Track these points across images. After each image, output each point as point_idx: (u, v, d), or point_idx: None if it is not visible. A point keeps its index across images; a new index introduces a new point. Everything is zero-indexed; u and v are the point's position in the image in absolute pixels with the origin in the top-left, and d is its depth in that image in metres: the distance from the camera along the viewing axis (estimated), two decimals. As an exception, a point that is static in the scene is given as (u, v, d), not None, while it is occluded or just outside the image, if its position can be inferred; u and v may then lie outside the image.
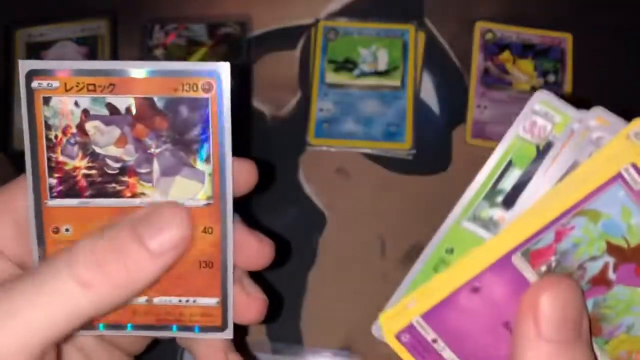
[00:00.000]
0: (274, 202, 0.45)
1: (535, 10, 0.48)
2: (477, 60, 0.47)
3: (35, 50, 0.48)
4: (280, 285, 0.43)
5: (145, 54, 0.48)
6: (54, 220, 0.25)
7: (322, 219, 0.44)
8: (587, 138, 0.22)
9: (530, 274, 0.21)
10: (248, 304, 0.27)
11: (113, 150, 0.25)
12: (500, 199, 0.23)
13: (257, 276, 0.28)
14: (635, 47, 0.47)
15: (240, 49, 0.47)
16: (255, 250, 0.27)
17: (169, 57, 0.47)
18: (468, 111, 0.46)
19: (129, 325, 0.26)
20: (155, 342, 0.31)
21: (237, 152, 0.25)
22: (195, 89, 0.25)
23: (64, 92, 0.25)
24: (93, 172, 0.25)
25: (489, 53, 0.47)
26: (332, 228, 0.44)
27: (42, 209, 0.25)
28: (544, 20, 0.47)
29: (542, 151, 0.23)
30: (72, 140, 0.25)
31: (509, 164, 0.23)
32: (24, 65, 0.24)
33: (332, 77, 0.46)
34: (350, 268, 0.43)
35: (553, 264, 0.21)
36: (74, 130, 0.25)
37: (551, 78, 0.46)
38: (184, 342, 0.29)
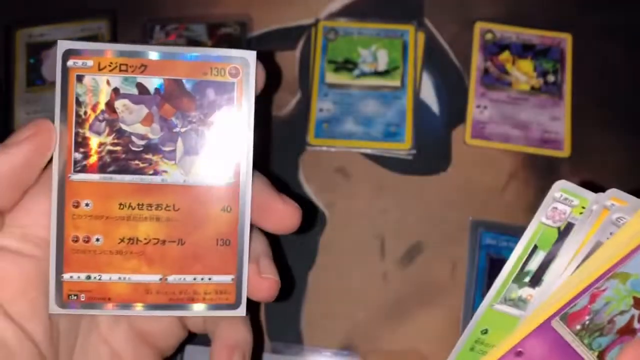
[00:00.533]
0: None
1: (535, 11, 0.48)
2: (477, 60, 0.47)
3: (36, 51, 0.48)
4: (281, 285, 0.43)
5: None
6: (75, 194, 0.26)
7: (322, 219, 0.44)
8: (608, 219, 0.25)
9: (567, 334, 0.24)
10: (259, 283, 0.27)
11: (139, 128, 0.26)
12: (527, 279, 0.26)
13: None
14: (635, 47, 0.47)
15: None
16: (280, 213, 0.28)
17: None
18: (468, 111, 0.46)
19: (141, 305, 0.27)
20: (184, 343, 0.31)
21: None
22: (223, 73, 0.26)
23: (97, 71, 0.26)
24: (118, 148, 0.26)
25: (489, 53, 0.47)
26: (332, 228, 0.44)
27: (65, 182, 0.26)
28: (544, 20, 0.47)
29: (563, 232, 0.26)
30: (100, 117, 0.26)
31: (534, 248, 0.26)
32: (62, 45, 0.25)
33: (332, 77, 0.46)
34: (350, 268, 0.43)
35: (587, 322, 0.24)
36: (103, 107, 0.26)
37: (551, 78, 0.46)
38: (204, 325, 0.29)
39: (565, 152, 0.45)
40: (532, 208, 0.44)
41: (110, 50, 0.26)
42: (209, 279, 0.27)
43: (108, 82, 0.26)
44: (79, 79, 0.26)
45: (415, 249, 0.44)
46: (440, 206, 0.44)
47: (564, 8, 0.48)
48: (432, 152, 0.45)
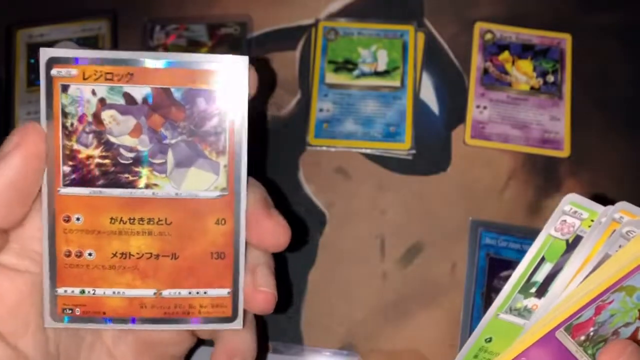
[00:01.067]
0: (273, 202, 0.45)
1: (535, 11, 0.48)
2: (477, 60, 0.47)
3: (36, 51, 0.48)
4: (280, 285, 0.43)
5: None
6: (66, 209, 0.25)
7: (322, 219, 0.44)
8: (617, 232, 0.24)
9: (571, 344, 0.24)
10: (254, 296, 0.27)
11: (128, 140, 0.25)
12: (533, 289, 0.26)
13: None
14: (636, 47, 0.47)
15: (240, 50, 0.48)
16: (267, 230, 0.27)
17: (169, 57, 0.47)
18: (467, 111, 0.46)
19: (135, 319, 0.26)
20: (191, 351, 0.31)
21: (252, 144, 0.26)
22: (213, 81, 0.25)
23: (82, 81, 0.25)
24: (106, 161, 0.25)
25: (489, 53, 0.47)
26: (332, 228, 0.44)
27: (55, 196, 0.25)
28: (544, 20, 0.47)
29: (571, 244, 0.26)
30: (87, 129, 0.25)
31: (542, 260, 0.26)
32: (45, 53, 0.25)
33: (332, 77, 0.46)
34: (350, 268, 0.43)
35: (591, 333, 0.24)
36: (90, 119, 0.25)
37: (550, 78, 0.46)
38: (209, 331, 0.29)
39: (565, 152, 0.45)
40: (532, 208, 0.44)
41: (94, 57, 0.24)
42: (205, 292, 0.26)
43: (94, 92, 0.25)
44: (64, 89, 0.25)
45: (415, 249, 0.44)
46: (440, 206, 0.44)
47: (564, 8, 0.48)
48: (432, 152, 0.45)
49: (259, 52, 0.47)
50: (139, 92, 0.25)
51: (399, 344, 0.42)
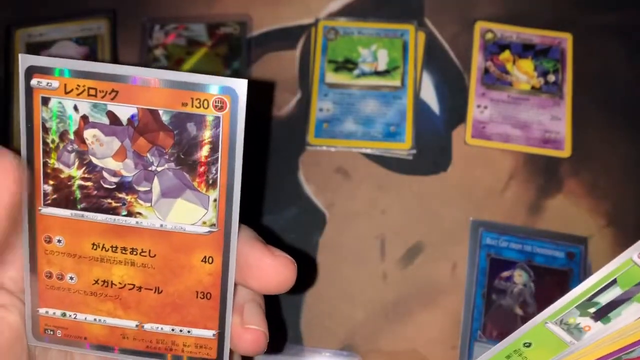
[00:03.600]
0: (273, 202, 0.45)
1: (535, 10, 0.48)
2: (477, 60, 0.46)
3: (36, 51, 0.48)
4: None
5: (146, 54, 0.48)
6: (47, 229, 0.24)
7: (322, 219, 0.44)
8: None
9: None
10: (242, 335, 0.25)
11: (111, 163, 0.23)
12: (593, 309, 0.24)
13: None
14: (635, 47, 0.47)
15: (240, 49, 0.47)
16: (269, 269, 0.24)
17: (169, 57, 0.47)
18: (468, 111, 0.46)
19: (117, 348, 0.25)
20: None
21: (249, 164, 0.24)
22: (206, 105, 0.22)
23: (64, 94, 0.22)
24: (89, 183, 0.23)
25: (489, 53, 0.47)
26: (332, 228, 0.44)
27: (36, 215, 0.24)
28: (544, 20, 0.47)
29: None
30: (69, 147, 0.23)
31: (612, 282, 0.24)
32: (25, 60, 0.22)
33: (332, 77, 0.46)
34: (350, 268, 0.43)
35: None
36: (72, 136, 0.23)
37: (551, 78, 0.46)
38: None
39: (565, 152, 0.45)
40: (533, 208, 0.44)
41: (77, 70, 0.22)
42: (188, 331, 0.25)
43: (76, 108, 0.23)
44: (45, 101, 0.23)
45: (415, 249, 0.43)
46: (440, 206, 0.44)
47: (564, 8, 0.48)
48: (432, 152, 0.45)
49: (259, 51, 0.47)
50: (124, 111, 0.22)
51: (399, 344, 0.42)
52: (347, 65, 0.47)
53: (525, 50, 0.47)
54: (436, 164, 0.45)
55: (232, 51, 0.47)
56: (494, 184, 0.44)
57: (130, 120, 0.22)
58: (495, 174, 0.45)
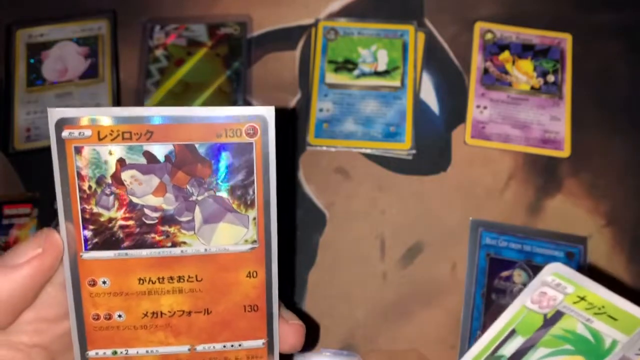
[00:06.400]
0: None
1: (535, 10, 0.48)
2: (477, 60, 0.47)
3: (36, 51, 0.48)
4: (280, 285, 0.43)
5: (146, 54, 0.48)
6: (90, 273, 0.24)
7: (322, 219, 0.44)
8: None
9: None
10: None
11: (152, 200, 0.24)
12: None
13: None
14: (635, 47, 0.47)
15: (240, 49, 0.48)
16: (284, 337, 0.26)
17: (169, 57, 0.47)
18: (468, 111, 0.46)
19: None
20: None
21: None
22: (239, 134, 0.24)
23: (97, 141, 0.23)
24: (130, 222, 0.24)
25: (489, 53, 0.47)
26: (332, 228, 0.44)
27: (78, 261, 0.24)
28: (544, 20, 0.47)
29: (549, 320, 0.22)
30: (107, 191, 0.24)
31: (512, 332, 0.23)
32: (54, 114, 0.23)
33: (332, 77, 0.46)
34: (350, 268, 0.43)
35: None
36: (109, 180, 0.24)
37: (551, 78, 0.46)
38: None
39: (565, 152, 0.45)
40: (533, 208, 0.44)
41: (109, 117, 0.23)
42: (239, 345, 0.26)
43: (111, 153, 0.23)
44: (78, 150, 0.23)
45: (415, 249, 0.44)
46: (441, 206, 0.44)
47: (564, 8, 0.48)
48: (432, 152, 0.45)
49: (259, 51, 0.47)
50: (161, 150, 0.23)
51: (399, 343, 0.42)
52: (347, 65, 0.47)
53: (524, 50, 0.47)
54: (436, 164, 0.45)
55: (232, 51, 0.47)
56: (493, 184, 0.44)
57: (168, 156, 0.23)
58: (494, 174, 0.45)
